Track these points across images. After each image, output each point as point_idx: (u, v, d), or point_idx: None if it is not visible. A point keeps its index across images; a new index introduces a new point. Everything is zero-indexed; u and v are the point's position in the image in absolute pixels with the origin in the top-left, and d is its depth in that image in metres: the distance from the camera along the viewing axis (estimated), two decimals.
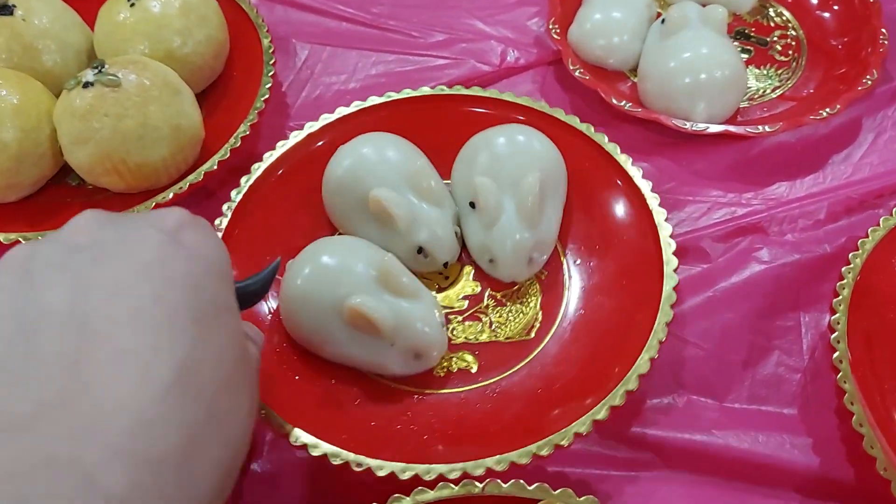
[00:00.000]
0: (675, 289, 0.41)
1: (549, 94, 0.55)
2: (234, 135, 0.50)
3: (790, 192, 0.49)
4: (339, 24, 0.60)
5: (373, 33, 0.59)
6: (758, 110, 0.53)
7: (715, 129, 0.49)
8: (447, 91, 0.50)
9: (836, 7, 0.58)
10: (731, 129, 0.49)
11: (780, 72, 0.56)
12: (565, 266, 0.45)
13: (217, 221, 0.45)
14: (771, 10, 0.60)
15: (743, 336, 0.43)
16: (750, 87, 0.55)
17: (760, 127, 0.48)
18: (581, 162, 0.47)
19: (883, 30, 0.54)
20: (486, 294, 0.45)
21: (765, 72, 0.56)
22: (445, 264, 0.45)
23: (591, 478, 0.39)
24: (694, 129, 0.49)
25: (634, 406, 0.41)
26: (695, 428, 0.40)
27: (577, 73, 0.52)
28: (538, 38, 0.58)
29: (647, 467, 0.39)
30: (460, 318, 0.44)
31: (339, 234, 0.46)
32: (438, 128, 0.49)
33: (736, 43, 0.57)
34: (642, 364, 0.38)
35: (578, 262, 0.45)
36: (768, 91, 0.55)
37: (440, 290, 0.45)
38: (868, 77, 0.51)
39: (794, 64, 0.56)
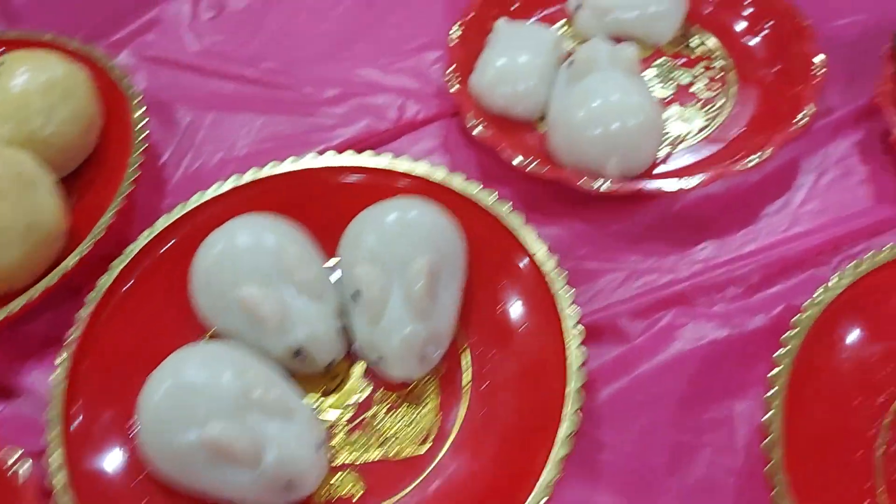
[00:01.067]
0: (584, 387, 0.35)
1: (453, 150, 0.50)
2: (97, 225, 0.45)
3: (718, 252, 0.43)
4: (224, 85, 0.54)
5: (261, 92, 0.54)
6: (681, 156, 0.47)
7: (623, 189, 0.43)
8: (330, 163, 0.45)
9: (765, 32, 0.52)
10: (642, 187, 0.43)
11: (705, 109, 0.50)
12: (465, 359, 0.40)
13: (69, 332, 0.39)
14: (694, 39, 0.54)
15: (666, 434, 0.38)
16: (671, 134, 0.48)
17: (677, 184, 0.42)
18: (482, 237, 0.42)
19: (821, 55, 0.48)
20: (377, 396, 0.40)
21: (689, 111, 0.50)
22: (329, 365, 0.39)
23: None
24: (603, 189, 0.43)
25: None
26: None
27: (476, 131, 0.46)
28: (440, 88, 0.52)
29: None
30: (348, 429, 0.39)
31: (212, 334, 0.41)
32: (324, 203, 0.45)
33: (659, 83, 0.51)
34: (540, 490, 0.33)
35: (479, 352, 0.40)
36: (693, 132, 0.48)
37: (327, 394, 0.40)
38: (803, 113, 0.45)
39: (723, 99, 0.50)
